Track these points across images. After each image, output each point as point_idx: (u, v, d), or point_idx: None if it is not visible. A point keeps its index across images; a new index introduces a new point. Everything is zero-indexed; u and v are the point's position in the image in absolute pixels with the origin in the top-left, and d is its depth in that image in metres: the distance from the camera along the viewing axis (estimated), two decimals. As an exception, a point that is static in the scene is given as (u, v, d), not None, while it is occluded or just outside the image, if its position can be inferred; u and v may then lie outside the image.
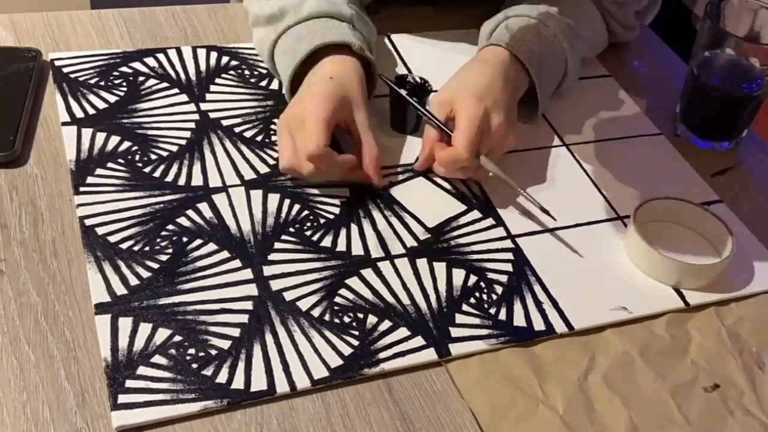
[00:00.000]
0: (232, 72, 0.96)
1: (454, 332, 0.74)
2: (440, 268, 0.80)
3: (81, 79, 0.91)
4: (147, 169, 0.83)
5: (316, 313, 0.73)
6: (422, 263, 0.80)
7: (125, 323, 0.69)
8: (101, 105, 0.88)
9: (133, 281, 0.73)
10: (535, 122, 0.98)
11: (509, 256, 0.82)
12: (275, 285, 0.75)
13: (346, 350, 0.71)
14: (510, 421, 0.68)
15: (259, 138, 0.89)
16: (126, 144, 0.85)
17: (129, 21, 1.01)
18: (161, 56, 0.96)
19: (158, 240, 0.76)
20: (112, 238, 0.76)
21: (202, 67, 0.96)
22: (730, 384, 0.75)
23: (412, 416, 0.68)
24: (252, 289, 0.74)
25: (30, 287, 0.71)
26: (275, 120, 0.91)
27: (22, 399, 0.64)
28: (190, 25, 1.03)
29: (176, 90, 0.92)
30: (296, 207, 0.82)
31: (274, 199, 0.83)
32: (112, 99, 0.89)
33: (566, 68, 0.98)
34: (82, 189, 0.79)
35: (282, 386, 0.68)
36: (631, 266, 0.84)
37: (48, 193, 0.79)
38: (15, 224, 0.76)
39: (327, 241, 0.80)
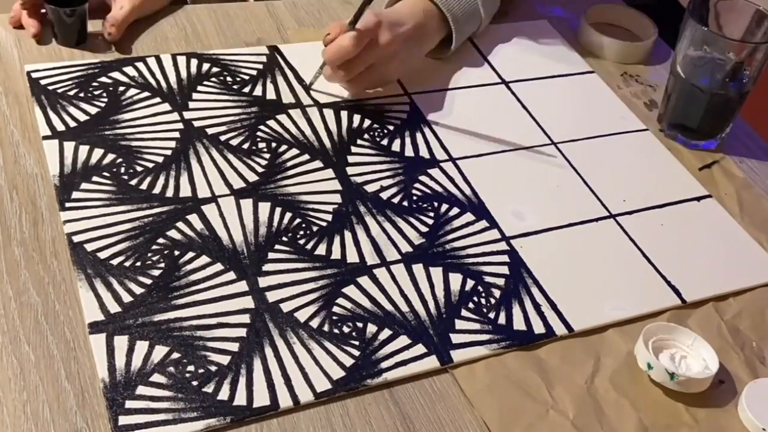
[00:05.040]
0: (213, 79, 0.94)
1: (455, 338, 0.73)
2: (437, 273, 0.78)
3: (59, 90, 0.88)
4: (133, 182, 0.81)
5: (314, 323, 0.72)
6: (418, 269, 0.79)
7: (121, 342, 0.67)
8: (82, 117, 0.86)
9: (127, 298, 0.71)
10: (523, 122, 0.98)
11: (505, 258, 0.81)
12: (272, 296, 0.73)
13: (348, 361, 0.70)
14: (521, 428, 0.67)
15: (245, 146, 0.87)
16: (110, 156, 0.83)
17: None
18: (140, 65, 0.94)
19: (149, 254, 0.74)
20: (102, 255, 0.74)
21: (183, 74, 0.94)
22: (734, 380, 0.74)
23: (412, 416, 0.67)
24: (248, 302, 0.72)
25: (30, 287, 0.70)
26: (261, 126, 0.89)
27: (22, 399, 0.63)
28: (190, 24, 1.02)
29: (158, 99, 0.90)
30: (288, 215, 0.81)
31: (264, 207, 0.81)
32: (93, 110, 0.87)
33: (480, 24, 1.05)
34: (68, 205, 0.77)
35: (285, 401, 0.66)
36: (625, 265, 0.83)
37: (48, 193, 0.78)
38: (15, 224, 0.75)
39: (321, 249, 0.78)
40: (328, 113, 0.93)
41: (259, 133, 0.89)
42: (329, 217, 0.81)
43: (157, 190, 0.80)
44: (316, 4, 1.09)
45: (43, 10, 0.94)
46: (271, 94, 0.94)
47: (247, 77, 0.96)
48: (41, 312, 0.69)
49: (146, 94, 0.91)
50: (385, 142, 0.91)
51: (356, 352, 0.70)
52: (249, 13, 1.05)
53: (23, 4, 0.94)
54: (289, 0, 1.09)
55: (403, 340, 0.72)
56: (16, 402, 0.63)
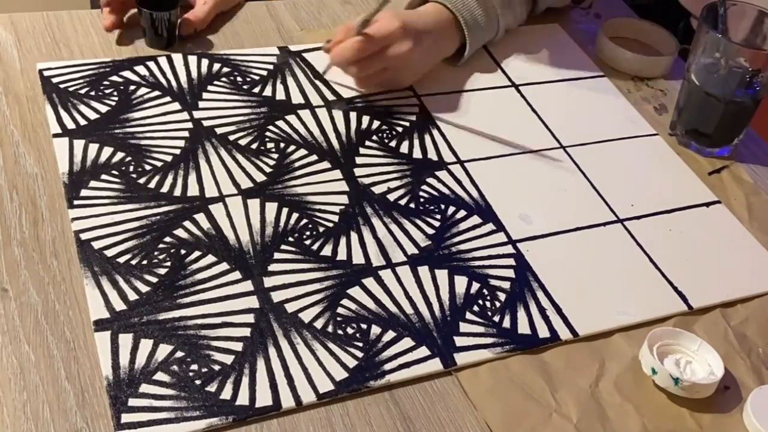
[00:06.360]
0: (224, 79, 0.95)
1: (459, 341, 0.73)
2: (442, 275, 0.78)
3: (71, 89, 0.89)
4: (141, 180, 0.81)
5: (318, 324, 0.72)
6: (424, 271, 0.79)
7: (125, 340, 0.68)
8: (92, 115, 0.87)
9: (132, 296, 0.71)
10: (532, 125, 0.98)
11: (511, 262, 0.81)
12: (276, 297, 0.74)
13: (351, 362, 0.70)
14: (525, 431, 0.67)
15: (254, 146, 0.87)
16: (119, 155, 0.83)
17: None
18: (152, 64, 0.94)
19: (156, 253, 0.75)
20: (109, 252, 0.74)
21: (194, 74, 0.94)
22: (739, 386, 0.74)
23: (412, 416, 0.67)
24: (253, 302, 0.73)
25: (30, 287, 0.70)
26: (270, 126, 0.90)
27: (22, 399, 0.63)
28: (189, 24, 1.02)
29: (168, 98, 0.91)
30: (294, 216, 0.81)
31: (271, 208, 0.81)
32: (104, 109, 0.88)
33: (496, 34, 1.06)
34: (76, 202, 0.77)
35: (287, 401, 0.66)
36: (632, 270, 0.83)
37: (48, 193, 0.78)
38: (15, 224, 0.75)
39: (327, 250, 0.78)
40: (337, 114, 0.93)
41: (267, 134, 0.89)
42: (336, 218, 0.82)
43: (165, 188, 0.81)
44: (316, 4, 1.10)
45: (133, 11, 0.98)
46: (280, 95, 0.94)
47: (257, 77, 0.96)
48: (41, 312, 0.69)
49: (157, 93, 0.91)
50: (393, 143, 0.91)
51: (360, 354, 0.71)
52: (249, 13, 1.06)
53: (107, 3, 0.97)
54: (289, 0, 1.09)
55: (406, 342, 0.72)
56: (16, 402, 0.63)
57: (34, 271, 0.72)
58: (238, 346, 0.69)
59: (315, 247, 0.78)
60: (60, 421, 0.62)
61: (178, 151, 0.85)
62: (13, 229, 0.75)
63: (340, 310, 0.74)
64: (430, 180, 0.88)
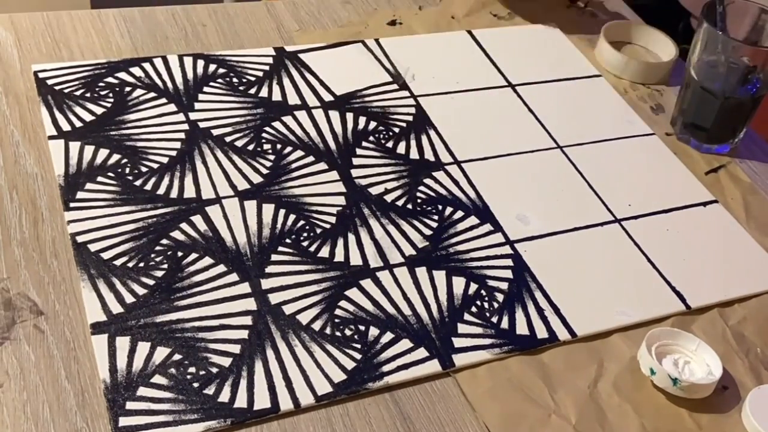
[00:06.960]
0: (220, 80, 0.94)
1: (457, 342, 0.73)
2: (440, 276, 0.78)
3: (66, 90, 0.89)
4: (138, 182, 0.81)
5: (316, 326, 0.72)
6: (422, 272, 0.78)
7: (123, 342, 0.68)
8: (88, 117, 0.86)
9: (129, 299, 0.71)
10: (529, 126, 0.98)
11: (509, 262, 0.81)
12: (274, 298, 0.73)
13: (349, 364, 0.70)
14: (522, 432, 0.67)
15: (250, 147, 0.87)
16: (115, 157, 0.83)
17: (129, 21, 1.00)
18: (147, 66, 0.94)
19: (152, 255, 0.75)
20: (106, 255, 0.74)
21: (189, 75, 0.94)
22: (738, 386, 0.74)
23: (412, 416, 0.67)
24: (251, 304, 0.72)
25: (30, 287, 0.70)
26: (266, 128, 0.90)
27: (22, 399, 0.63)
28: (190, 24, 1.02)
29: (164, 100, 0.90)
30: (292, 217, 0.81)
31: (268, 209, 0.81)
32: (99, 111, 0.87)
33: None
34: (72, 205, 0.77)
35: (286, 404, 0.66)
36: (630, 270, 0.83)
37: (48, 193, 0.78)
38: (15, 224, 0.75)
39: (324, 252, 0.78)
40: (334, 115, 0.93)
41: (264, 135, 0.89)
42: (333, 220, 0.81)
43: (161, 191, 0.80)
44: (316, 4, 1.10)
45: None
46: (276, 96, 0.94)
47: (253, 78, 0.96)
48: (41, 312, 0.69)
49: (152, 94, 0.91)
50: (390, 144, 0.91)
51: (358, 356, 0.70)
52: (249, 13, 1.06)
53: None
54: (290, 0, 1.09)
55: (405, 344, 0.72)
56: (16, 402, 0.63)
57: (34, 271, 0.72)
58: (235, 349, 0.69)
59: (312, 248, 0.78)
60: (60, 421, 0.62)
61: (174, 153, 0.85)
62: (13, 229, 0.74)
63: (338, 311, 0.73)
64: (428, 181, 0.88)
